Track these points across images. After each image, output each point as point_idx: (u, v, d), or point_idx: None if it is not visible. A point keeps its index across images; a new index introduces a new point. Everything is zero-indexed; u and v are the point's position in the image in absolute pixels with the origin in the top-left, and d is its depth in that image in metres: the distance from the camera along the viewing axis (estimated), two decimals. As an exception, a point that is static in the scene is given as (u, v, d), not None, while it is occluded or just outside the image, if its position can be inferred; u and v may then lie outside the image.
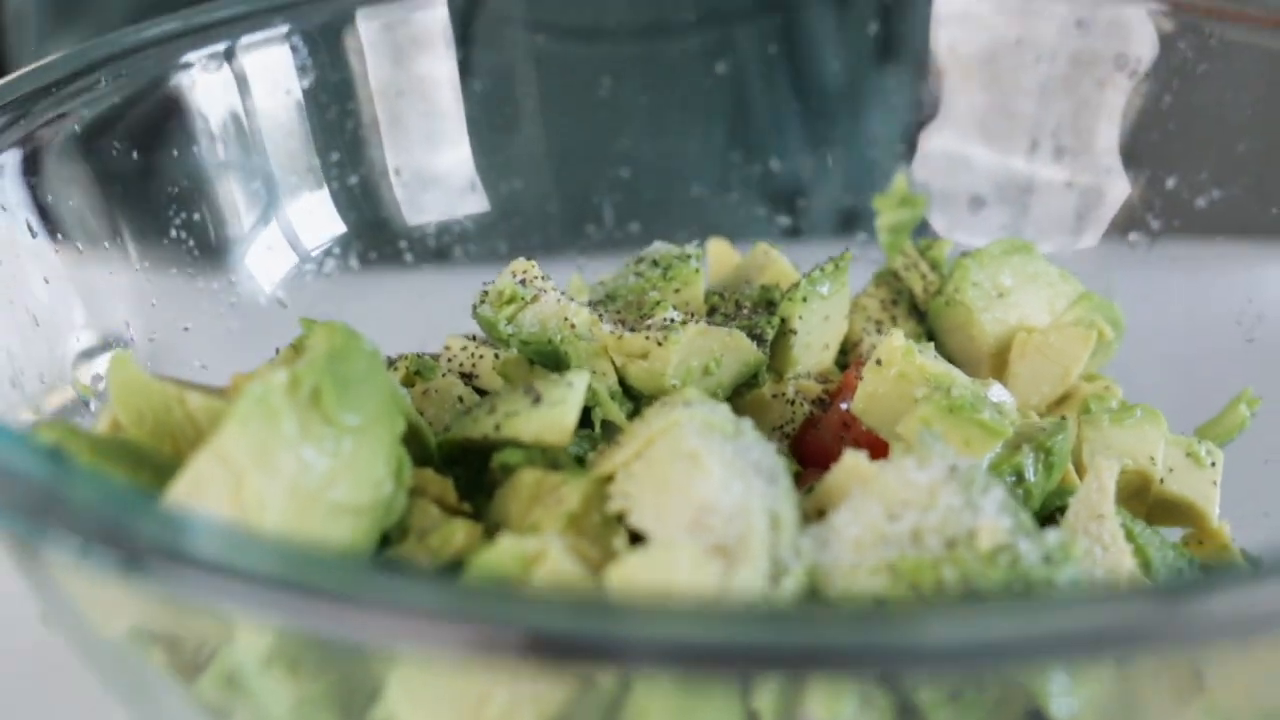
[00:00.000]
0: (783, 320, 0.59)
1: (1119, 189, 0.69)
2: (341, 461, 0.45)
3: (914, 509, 0.46)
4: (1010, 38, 0.68)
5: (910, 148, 0.71)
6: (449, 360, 0.59)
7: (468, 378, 0.58)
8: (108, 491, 0.38)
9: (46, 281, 0.54)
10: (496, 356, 0.57)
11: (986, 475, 0.47)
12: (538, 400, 0.50)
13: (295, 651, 0.42)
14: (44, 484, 0.38)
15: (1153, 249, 0.68)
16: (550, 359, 0.56)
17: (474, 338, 0.60)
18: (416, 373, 0.57)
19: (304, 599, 0.34)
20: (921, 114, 0.71)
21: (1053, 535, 0.46)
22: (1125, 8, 0.67)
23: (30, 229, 0.53)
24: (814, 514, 0.49)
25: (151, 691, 0.45)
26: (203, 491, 0.43)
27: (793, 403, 0.59)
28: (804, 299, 0.59)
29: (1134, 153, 0.69)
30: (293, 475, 0.44)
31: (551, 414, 0.50)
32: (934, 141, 0.71)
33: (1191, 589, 0.35)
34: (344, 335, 0.48)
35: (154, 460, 0.47)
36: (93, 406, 0.54)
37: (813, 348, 0.60)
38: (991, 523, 0.45)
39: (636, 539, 0.47)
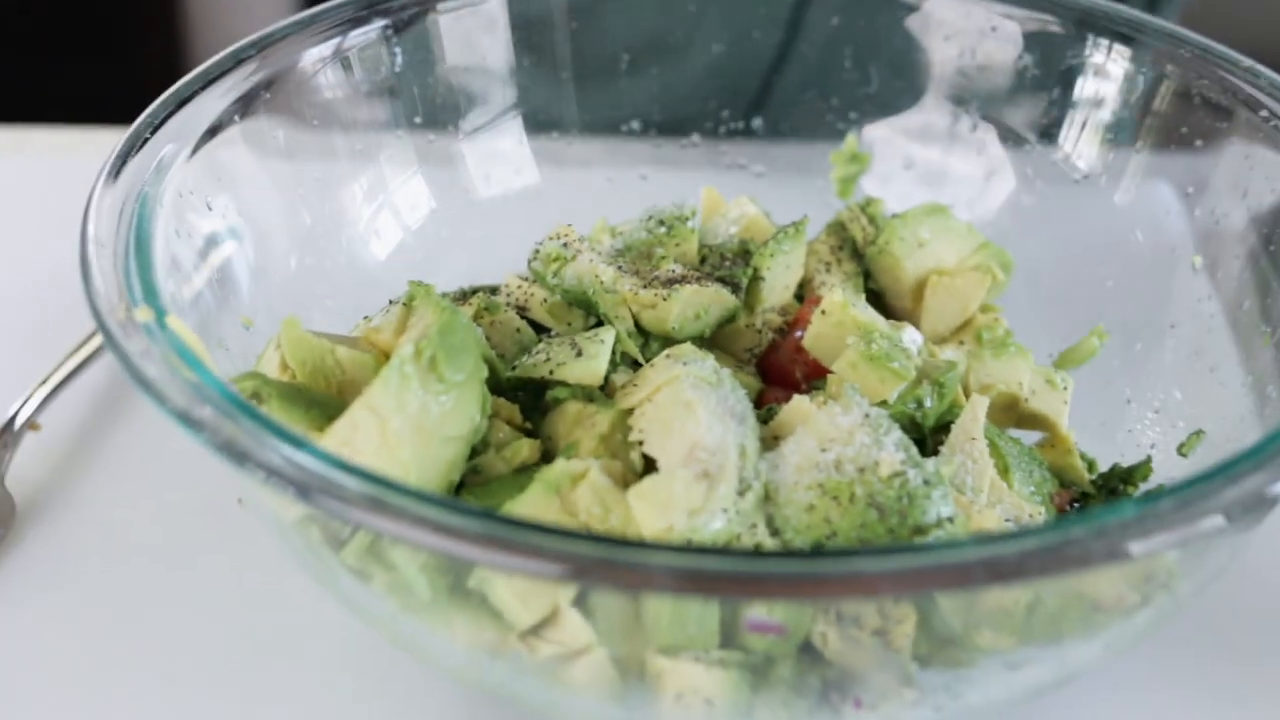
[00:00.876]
0: (755, 269, 0.78)
1: (1017, 160, 0.87)
2: (450, 406, 0.64)
3: (838, 444, 0.64)
4: (940, 34, 0.86)
5: (863, 117, 0.90)
6: (508, 295, 0.78)
7: (521, 310, 0.78)
8: (289, 441, 0.56)
9: (234, 236, 0.73)
10: (544, 301, 0.77)
11: (889, 420, 0.67)
12: (580, 354, 0.70)
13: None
14: (245, 433, 0.56)
15: (1041, 209, 0.87)
16: (584, 304, 0.75)
17: (526, 278, 0.79)
18: (485, 308, 0.76)
19: (411, 529, 0.52)
20: (874, 89, 0.89)
21: (930, 464, 0.65)
22: (1028, 16, 0.85)
23: (209, 206, 0.72)
24: (770, 439, 0.68)
25: (316, 555, 0.66)
26: (357, 430, 0.62)
27: (760, 331, 0.77)
28: (771, 254, 0.78)
29: (1027, 132, 0.86)
30: (418, 418, 0.63)
31: (589, 365, 0.70)
32: (881, 115, 0.90)
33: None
34: (448, 313, 0.67)
35: (319, 400, 0.66)
36: (249, 330, 0.73)
37: (776, 288, 0.79)
38: (890, 456, 0.64)
39: (647, 457, 0.67)
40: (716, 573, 0.52)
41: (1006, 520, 0.68)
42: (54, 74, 2.33)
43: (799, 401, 0.68)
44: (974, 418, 0.71)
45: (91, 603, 0.74)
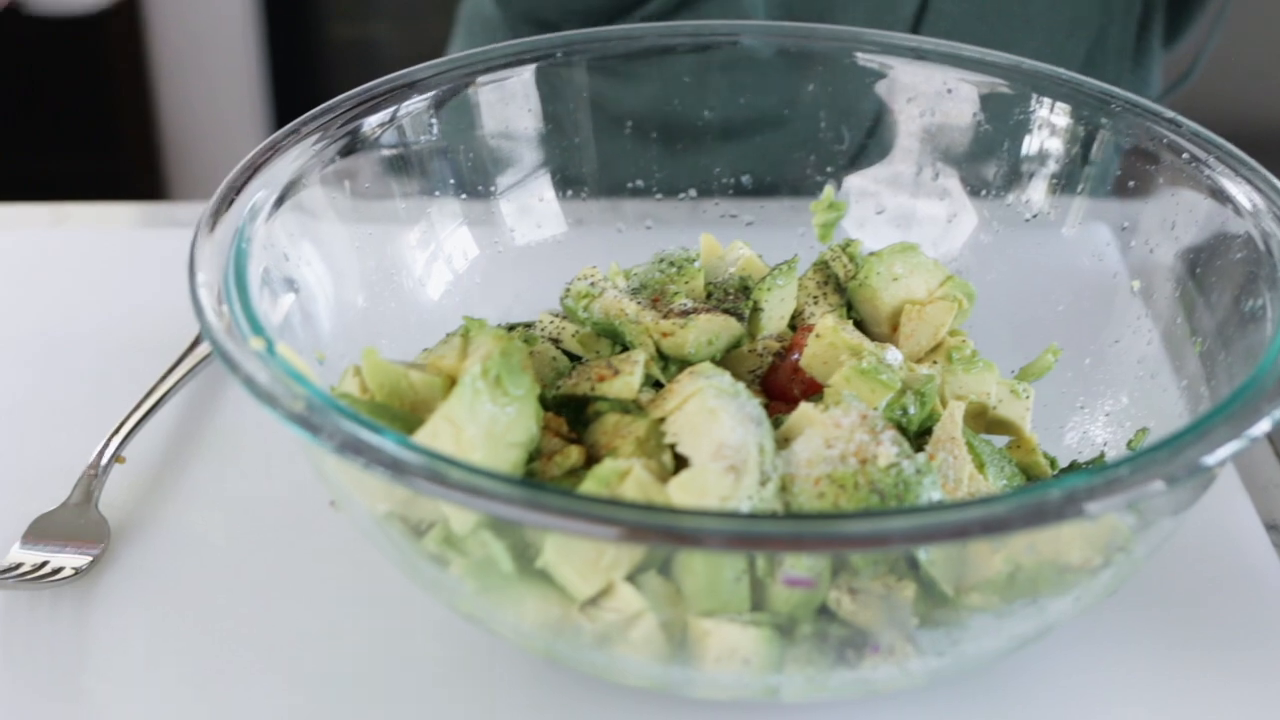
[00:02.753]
0: (755, 302, 0.90)
1: (974, 204, 0.99)
2: (514, 417, 0.75)
3: (841, 441, 0.74)
4: (904, 97, 0.99)
5: (838, 170, 1.02)
6: (542, 329, 0.90)
7: (555, 341, 0.89)
8: (385, 435, 0.67)
9: (311, 281, 0.85)
10: (574, 335, 0.89)
11: (884, 420, 0.79)
12: (617, 373, 0.82)
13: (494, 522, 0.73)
14: (349, 428, 0.67)
15: (997, 245, 0.97)
16: (611, 334, 0.86)
17: (557, 314, 0.91)
18: (525, 340, 0.88)
19: (494, 503, 0.63)
20: (846, 146, 1.01)
21: (920, 457, 0.77)
22: (980, 79, 0.97)
23: (286, 256, 0.83)
24: (781, 441, 0.79)
25: (399, 547, 0.76)
26: (437, 437, 0.72)
27: (761, 355, 0.88)
28: (769, 289, 0.90)
29: (983, 179, 0.98)
30: (488, 426, 0.74)
31: (626, 381, 0.81)
32: (859, 170, 1.01)
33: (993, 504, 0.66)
34: (505, 339, 0.79)
35: (398, 415, 0.78)
36: (322, 364, 0.84)
37: (773, 318, 0.89)
38: (887, 450, 0.74)
39: (678, 458, 0.79)
40: (764, 533, 0.64)
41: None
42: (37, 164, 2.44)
43: (805, 408, 0.79)
44: (953, 421, 0.82)
45: (185, 609, 0.84)
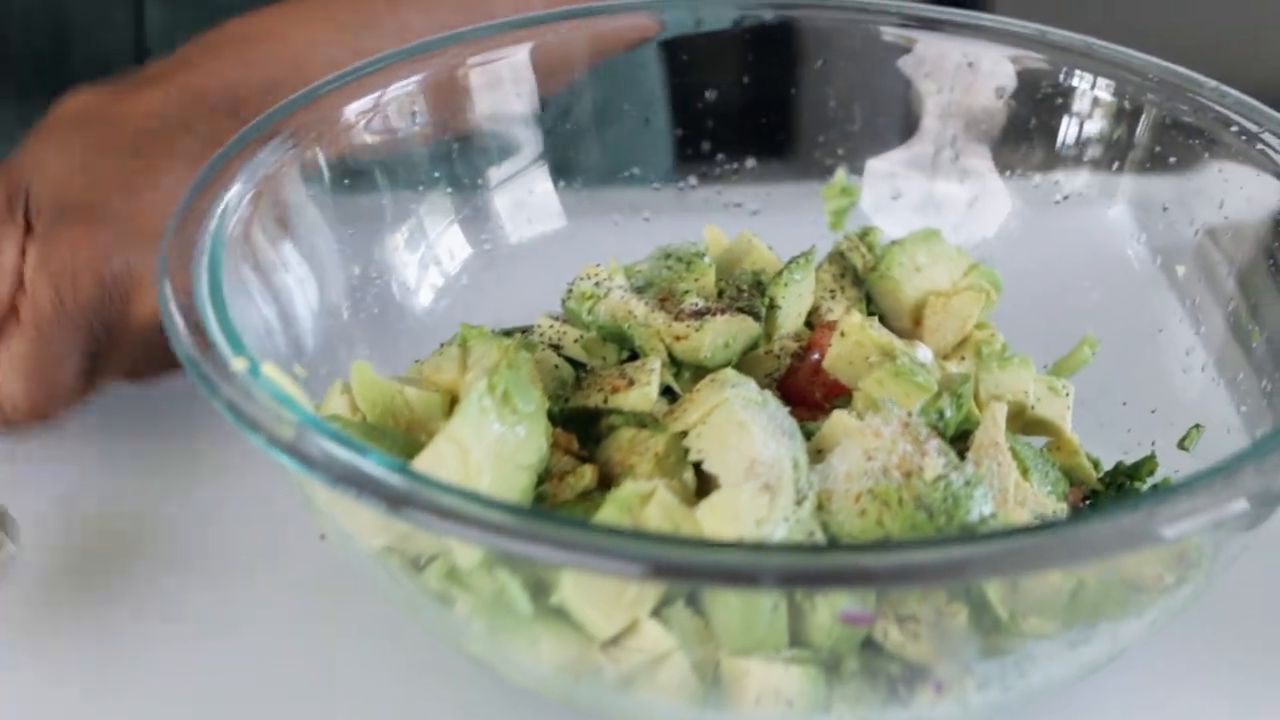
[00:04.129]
0: (771, 299, 0.83)
1: (999, 186, 0.93)
2: (524, 436, 0.68)
3: (883, 452, 0.68)
4: (920, 72, 0.92)
5: (850, 153, 0.95)
6: (541, 334, 0.82)
7: (556, 348, 0.82)
8: (391, 466, 0.59)
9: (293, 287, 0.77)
10: (577, 340, 0.81)
11: (928, 429, 0.72)
12: (631, 383, 0.75)
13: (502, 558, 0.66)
14: (349, 459, 0.59)
15: (1024, 230, 0.92)
16: (618, 338, 0.79)
17: (556, 318, 0.83)
18: (524, 347, 0.80)
19: (496, 537, 0.56)
20: (856, 126, 0.95)
21: (969, 467, 0.71)
22: (1003, 52, 0.91)
23: (262, 261, 0.76)
24: (814, 454, 0.73)
25: (398, 583, 0.69)
26: (441, 461, 0.65)
27: (779, 356, 0.82)
28: (785, 284, 0.83)
29: (1008, 159, 0.92)
30: (496, 448, 0.66)
31: (643, 392, 0.74)
32: (874, 152, 0.95)
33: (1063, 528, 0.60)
34: (510, 351, 0.71)
35: (394, 437, 0.70)
36: (300, 381, 0.76)
37: (790, 315, 0.82)
38: (933, 461, 0.69)
39: (699, 475, 0.71)
40: (824, 569, 0.57)
41: (1035, 516, 0.73)
42: None
43: (840, 416, 0.72)
44: (996, 424, 0.75)
45: (88, 626, 0.76)
